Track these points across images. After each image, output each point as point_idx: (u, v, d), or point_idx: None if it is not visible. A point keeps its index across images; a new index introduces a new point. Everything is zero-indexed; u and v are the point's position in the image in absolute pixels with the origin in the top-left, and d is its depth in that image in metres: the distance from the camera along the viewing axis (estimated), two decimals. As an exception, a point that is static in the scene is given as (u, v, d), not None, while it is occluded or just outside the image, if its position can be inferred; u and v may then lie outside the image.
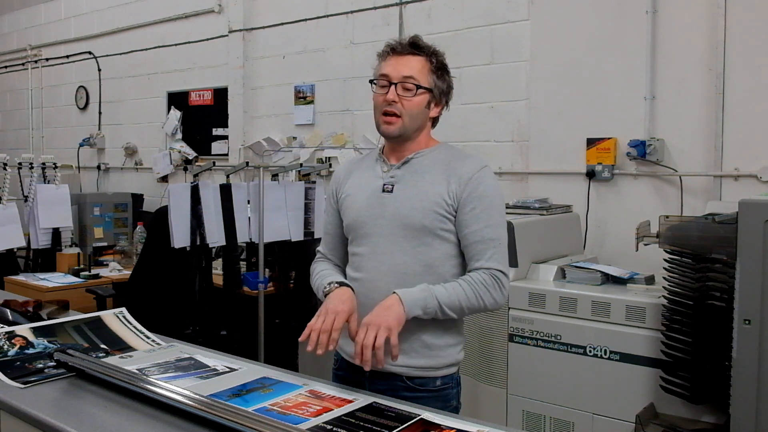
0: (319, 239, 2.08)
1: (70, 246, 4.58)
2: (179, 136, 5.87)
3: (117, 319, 2.09)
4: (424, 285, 1.74)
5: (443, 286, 1.74)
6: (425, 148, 1.87)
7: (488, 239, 1.77)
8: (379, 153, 1.93)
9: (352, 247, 1.89)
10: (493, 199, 1.80)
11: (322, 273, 1.91)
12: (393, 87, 1.79)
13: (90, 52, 6.69)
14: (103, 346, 1.93)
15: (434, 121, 1.91)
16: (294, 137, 5.06)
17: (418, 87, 1.80)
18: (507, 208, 3.35)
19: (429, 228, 1.77)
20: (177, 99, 5.90)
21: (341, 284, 1.80)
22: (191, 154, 5.70)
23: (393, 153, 1.88)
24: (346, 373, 1.87)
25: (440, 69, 1.85)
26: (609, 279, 2.97)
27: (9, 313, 2.14)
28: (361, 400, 1.56)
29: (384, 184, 1.84)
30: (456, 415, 1.58)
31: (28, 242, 4.39)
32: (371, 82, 1.87)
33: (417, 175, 1.82)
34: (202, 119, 5.68)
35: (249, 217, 3.84)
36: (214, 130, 5.59)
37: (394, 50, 1.83)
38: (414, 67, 1.80)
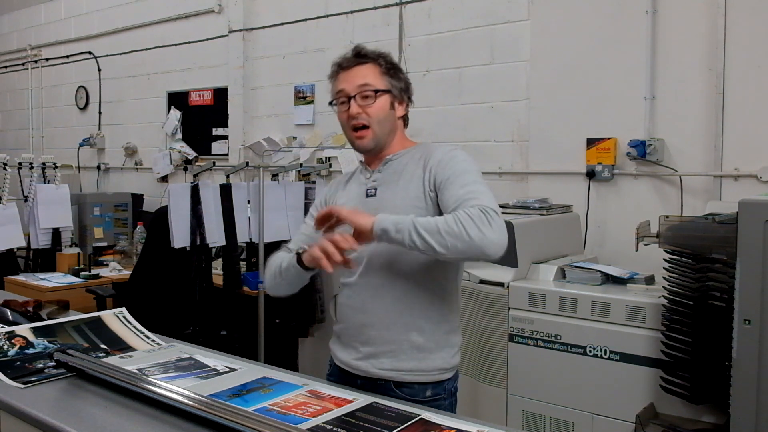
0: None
1: (70, 246, 4.58)
2: (179, 136, 5.87)
3: (117, 319, 2.09)
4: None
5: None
6: (401, 150, 1.88)
7: (468, 197, 1.64)
8: (361, 164, 1.95)
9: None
10: (466, 167, 1.73)
11: (280, 255, 1.87)
12: (352, 100, 1.80)
13: (90, 52, 6.69)
14: (103, 346, 1.93)
15: (405, 121, 1.92)
16: (294, 137, 5.06)
17: (377, 91, 1.81)
18: (507, 208, 3.38)
19: None
20: (177, 99, 5.90)
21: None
22: (191, 154, 5.70)
23: (373, 161, 1.90)
24: (338, 379, 1.86)
25: (391, 69, 1.85)
26: (609, 279, 2.97)
27: (9, 313, 2.15)
28: (361, 400, 1.56)
29: (367, 189, 1.86)
30: (456, 414, 1.58)
31: (28, 242, 4.40)
32: (330, 103, 1.90)
33: (395, 174, 1.83)
34: (202, 119, 5.68)
35: (249, 217, 3.84)
36: (214, 130, 5.59)
37: (341, 66, 1.84)
38: (366, 74, 1.81)
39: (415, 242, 1.58)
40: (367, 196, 1.84)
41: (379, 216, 1.63)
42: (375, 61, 1.84)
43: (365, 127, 1.81)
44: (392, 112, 1.85)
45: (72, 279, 4.14)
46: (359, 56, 1.84)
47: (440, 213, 1.70)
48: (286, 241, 2.00)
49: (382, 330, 1.78)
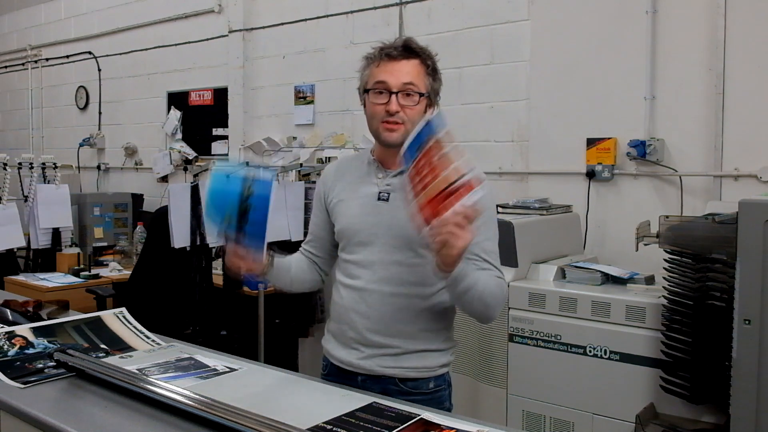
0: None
1: (70, 246, 4.58)
2: (179, 136, 5.87)
3: (117, 319, 2.09)
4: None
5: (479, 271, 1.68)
6: None
7: (491, 251, 1.74)
8: (372, 158, 1.85)
9: (344, 254, 1.85)
10: (491, 212, 1.81)
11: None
12: (394, 96, 1.72)
13: (90, 52, 6.69)
14: (103, 346, 1.93)
15: None
16: (294, 137, 5.05)
17: (420, 94, 1.73)
18: (507, 208, 3.38)
19: (425, 240, 1.66)
20: (177, 99, 5.89)
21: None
22: (191, 154, 5.70)
23: (388, 159, 1.80)
24: (337, 378, 1.82)
25: (435, 71, 1.79)
26: (609, 279, 2.97)
27: (9, 313, 2.14)
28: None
29: (380, 192, 1.79)
30: (456, 415, 1.58)
31: (28, 242, 4.39)
32: (364, 91, 1.78)
33: None
34: (202, 119, 5.68)
35: (249, 217, 3.83)
36: (214, 130, 5.58)
37: (389, 55, 1.73)
38: (411, 72, 1.73)
39: (461, 298, 1.66)
40: (379, 199, 1.78)
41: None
42: (422, 60, 1.76)
43: (399, 122, 1.73)
44: (424, 115, 1.74)
45: (72, 279, 4.14)
46: (409, 50, 1.74)
47: None
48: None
49: (388, 337, 1.76)
